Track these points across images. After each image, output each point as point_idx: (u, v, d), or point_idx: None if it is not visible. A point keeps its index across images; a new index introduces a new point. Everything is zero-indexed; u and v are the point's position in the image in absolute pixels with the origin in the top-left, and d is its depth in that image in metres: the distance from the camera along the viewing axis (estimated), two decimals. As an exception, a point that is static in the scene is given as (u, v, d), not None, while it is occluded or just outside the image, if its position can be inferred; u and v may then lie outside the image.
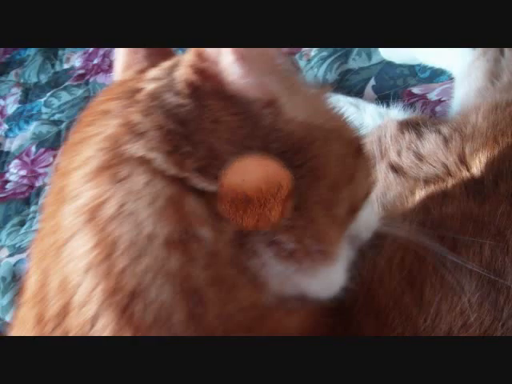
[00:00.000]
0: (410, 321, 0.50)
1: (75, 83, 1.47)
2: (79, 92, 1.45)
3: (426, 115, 0.85)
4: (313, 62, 1.11)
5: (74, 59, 1.57)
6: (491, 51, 0.83)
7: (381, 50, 1.04)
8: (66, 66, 1.57)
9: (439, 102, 0.89)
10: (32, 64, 1.63)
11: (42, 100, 1.50)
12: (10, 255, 1.14)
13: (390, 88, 0.98)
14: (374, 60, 1.04)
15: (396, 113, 0.87)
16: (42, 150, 1.35)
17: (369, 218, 0.50)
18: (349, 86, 1.03)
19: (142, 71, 0.45)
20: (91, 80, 1.47)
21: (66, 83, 1.51)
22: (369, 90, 1.00)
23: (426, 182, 0.63)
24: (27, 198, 1.27)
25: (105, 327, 0.36)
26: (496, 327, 0.49)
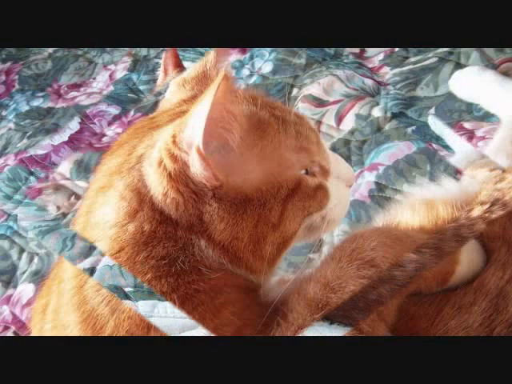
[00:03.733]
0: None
1: (179, 63, 1.63)
2: (181, 71, 1.61)
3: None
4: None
5: (182, 42, 1.72)
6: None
7: (450, 82, 1.13)
8: (174, 46, 1.72)
9: (483, 138, 0.99)
10: (145, 39, 1.80)
11: (148, 72, 1.65)
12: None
13: (446, 119, 1.08)
14: (439, 92, 1.15)
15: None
16: (138, 114, 1.51)
17: (341, 201, 0.61)
18: (411, 110, 1.14)
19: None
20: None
21: (171, 61, 1.67)
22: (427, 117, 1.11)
23: None
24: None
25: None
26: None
